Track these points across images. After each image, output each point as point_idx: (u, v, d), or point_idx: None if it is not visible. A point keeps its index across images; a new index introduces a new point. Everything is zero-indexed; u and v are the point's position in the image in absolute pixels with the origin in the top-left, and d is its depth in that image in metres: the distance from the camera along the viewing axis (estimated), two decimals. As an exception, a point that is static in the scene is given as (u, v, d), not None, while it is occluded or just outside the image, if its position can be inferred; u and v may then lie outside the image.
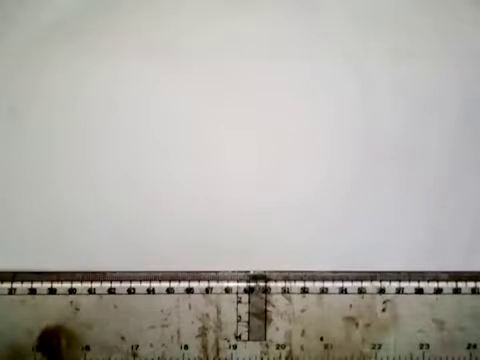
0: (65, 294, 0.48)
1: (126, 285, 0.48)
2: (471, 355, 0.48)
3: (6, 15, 0.50)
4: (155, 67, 0.49)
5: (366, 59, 0.50)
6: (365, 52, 0.50)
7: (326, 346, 0.48)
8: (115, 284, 0.48)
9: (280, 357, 0.48)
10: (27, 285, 0.48)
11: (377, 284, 0.48)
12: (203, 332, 0.48)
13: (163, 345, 0.48)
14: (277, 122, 0.50)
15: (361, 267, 0.48)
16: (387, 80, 0.50)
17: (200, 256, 0.48)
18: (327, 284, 0.48)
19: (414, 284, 0.48)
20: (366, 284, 0.48)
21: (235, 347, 0.48)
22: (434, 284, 0.48)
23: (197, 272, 0.48)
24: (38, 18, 0.50)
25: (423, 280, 0.48)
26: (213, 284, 0.48)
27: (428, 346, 0.48)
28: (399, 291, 0.48)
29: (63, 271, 0.48)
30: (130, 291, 0.48)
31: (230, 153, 0.49)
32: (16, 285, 0.47)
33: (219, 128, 0.50)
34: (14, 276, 0.48)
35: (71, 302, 0.48)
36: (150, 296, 0.48)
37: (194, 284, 0.48)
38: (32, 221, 0.49)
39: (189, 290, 0.48)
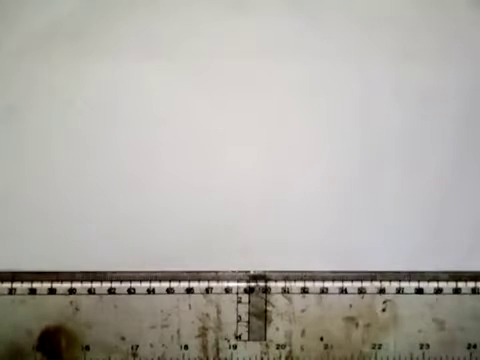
0: (65, 294, 0.48)
1: (126, 285, 0.48)
2: (471, 355, 0.48)
3: (6, 15, 0.50)
4: (155, 67, 0.49)
5: (367, 60, 0.50)
6: (366, 53, 0.50)
7: (326, 346, 0.48)
8: (115, 284, 0.48)
9: (280, 357, 0.48)
10: (27, 285, 0.47)
11: (377, 284, 0.48)
12: (203, 332, 0.48)
13: (163, 345, 0.48)
14: (277, 123, 0.50)
15: (361, 267, 0.48)
16: (388, 80, 0.50)
17: (200, 256, 0.48)
18: (327, 284, 0.48)
19: (414, 284, 0.48)
20: (366, 284, 0.48)
21: (235, 347, 0.48)
22: (434, 284, 0.48)
23: (197, 272, 0.48)
24: (38, 18, 0.50)
25: (423, 280, 0.48)
26: (213, 284, 0.48)
27: (428, 346, 0.48)
28: (399, 291, 0.48)
29: (63, 271, 0.48)
30: (130, 291, 0.48)
31: (230, 153, 0.49)
32: (16, 285, 0.47)
33: (219, 128, 0.50)
34: (14, 276, 0.48)
35: (71, 302, 0.48)
36: (150, 296, 0.48)
37: (194, 284, 0.48)
38: (32, 221, 0.49)
39: (189, 290, 0.48)
